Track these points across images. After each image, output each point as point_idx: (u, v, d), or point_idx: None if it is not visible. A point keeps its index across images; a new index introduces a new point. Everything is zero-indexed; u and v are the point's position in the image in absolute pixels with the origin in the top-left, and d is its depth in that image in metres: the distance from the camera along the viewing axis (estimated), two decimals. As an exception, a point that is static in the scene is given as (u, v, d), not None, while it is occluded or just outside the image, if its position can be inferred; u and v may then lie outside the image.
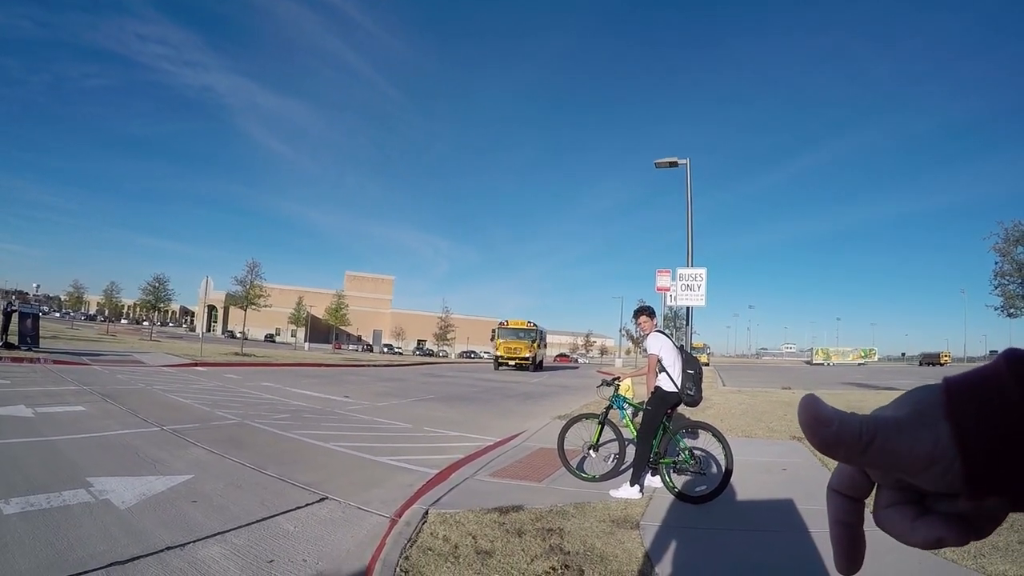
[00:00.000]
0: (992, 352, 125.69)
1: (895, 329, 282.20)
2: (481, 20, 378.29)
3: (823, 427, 0.44)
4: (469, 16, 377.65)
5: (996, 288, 20.77)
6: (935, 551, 4.44)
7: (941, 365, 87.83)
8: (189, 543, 4.23)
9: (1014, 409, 0.39)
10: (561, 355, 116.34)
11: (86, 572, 3.62)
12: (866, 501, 0.51)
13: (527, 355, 40.94)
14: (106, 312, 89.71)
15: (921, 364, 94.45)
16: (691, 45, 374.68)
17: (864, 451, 0.43)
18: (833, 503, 0.51)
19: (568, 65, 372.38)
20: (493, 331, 43.75)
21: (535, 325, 43.33)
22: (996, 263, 20.63)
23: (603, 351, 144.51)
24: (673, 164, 18.02)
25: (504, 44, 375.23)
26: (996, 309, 20.97)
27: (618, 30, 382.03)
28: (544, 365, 51.55)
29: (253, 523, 4.79)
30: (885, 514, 0.47)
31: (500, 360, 41.49)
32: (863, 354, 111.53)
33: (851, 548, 0.50)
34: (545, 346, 51.83)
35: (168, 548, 4.10)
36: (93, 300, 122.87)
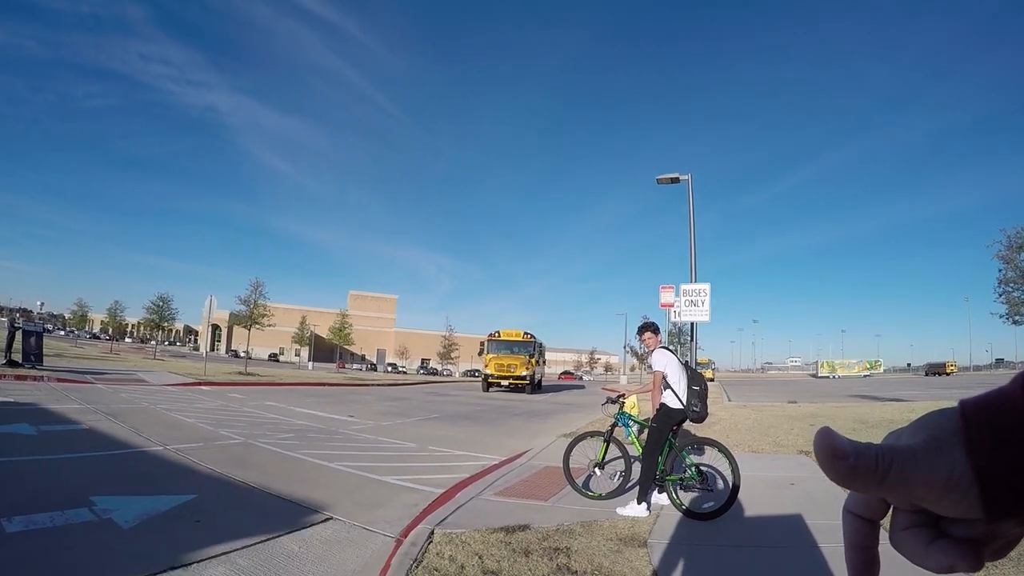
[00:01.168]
0: (998, 360, 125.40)
1: (900, 340, 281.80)
2: (481, 39, 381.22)
3: (840, 460, 0.44)
4: (469, 35, 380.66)
5: (1000, 296, 20.71)
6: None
7: (947, 375, 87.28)
8: (193, 563, 4.20)
9: None
10: (566, 372, 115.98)
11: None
12: (882, 522, 0.51)
13: (523, 373, 33.17)
14: (110, 330, 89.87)
15: (927, 374, 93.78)
16: (690, 60, 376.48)
17: (881, 482, 0.43)
18: (849, 525, 0.51)
19: (569, 82, 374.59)
20: (482, 344, 36.22)
21: (533, 337, 36.12)
22: (1000, 270, 20.58)
23: (608, 368, 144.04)
24: (675, 180, 18.08)
25: (505, 63, 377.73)
26: (1001, 317, 20.89)
27: (617, 48, 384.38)
28: (544, 384, 44.38)
29: (257, 543, 4.76)
30: (901, 537, 0.47)
31: (490, 379, 33.86)
32: (868, 366, 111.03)
33: (866, 570, 0.50)
34: (544, 362, 45.69)
35: (171, 568, 4.07)
36: (97, 318, 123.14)
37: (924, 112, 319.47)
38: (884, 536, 0.50)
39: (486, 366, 34.58)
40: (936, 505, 0.43)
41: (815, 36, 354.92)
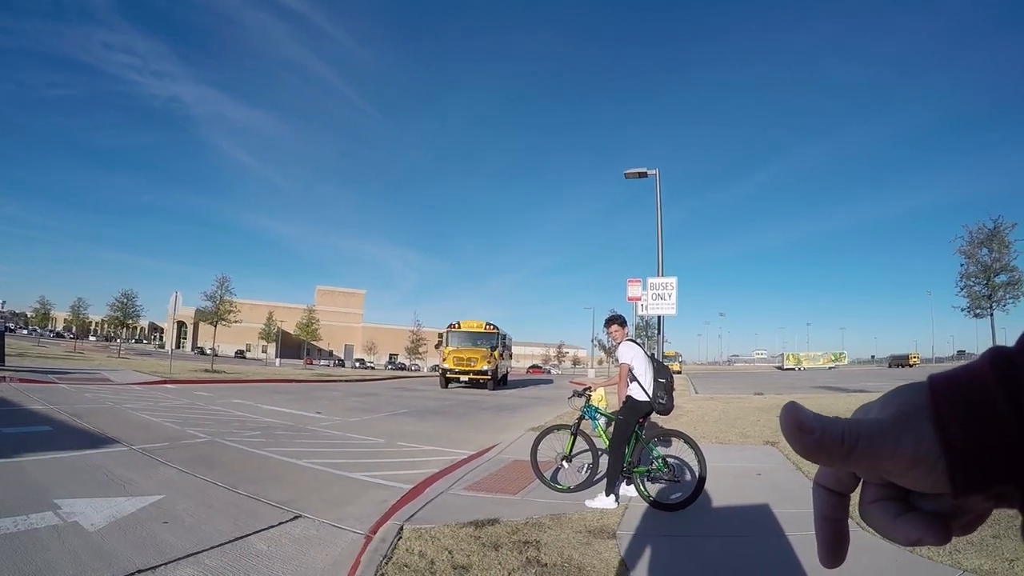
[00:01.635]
0: (960, 352, 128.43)
1: (864, 333, 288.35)
2: (451, 35, 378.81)
3: (806, 435, 0.44)
4: (440, 30, 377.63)
5: (962, 290, 21.34)
6: (913, 549, 4.50)
7: (910, 366, 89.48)
8: (161, 566, 4.16)
9: (998, 410, 0.39)
10: (534, 367, 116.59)
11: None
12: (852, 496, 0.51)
13: (484, 368, 30.38)
14: (73, 329, 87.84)
15: (890, 366, 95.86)
16: (659, 56, 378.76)
17: (847, 456, 0.43)
18: (819, 498, 0.51)
19: (538, 78, 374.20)
20: (440, 336, 33.58)
21: (496, 328, 33.57)
22: (962, 265, 21.22)
23: (575, 362, 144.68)
24: (643, 175, 18.22)
25: (474, 58, 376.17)
26: (963, 310, 21.52)
27: (586, 44, 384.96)
28: (512, 379, 43.67)
29: (226, 543, 4.72)
30: (869, 510, 0.47)
31: (448, 374, 30.77)
32: (833, 358, 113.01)
33: (835, 542, 0.50)
34: (511, 356, 43.38)
35: (139, 571, 4.03)
36: (60, 316, 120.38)
37: (889, 112, 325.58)
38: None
39: (444, 360, 31.59)
40: (903, 479, 0.43)
41: (782, 36, 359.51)
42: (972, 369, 0.42)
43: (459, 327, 33.13)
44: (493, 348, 32.06)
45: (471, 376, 30.39)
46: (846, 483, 0.50)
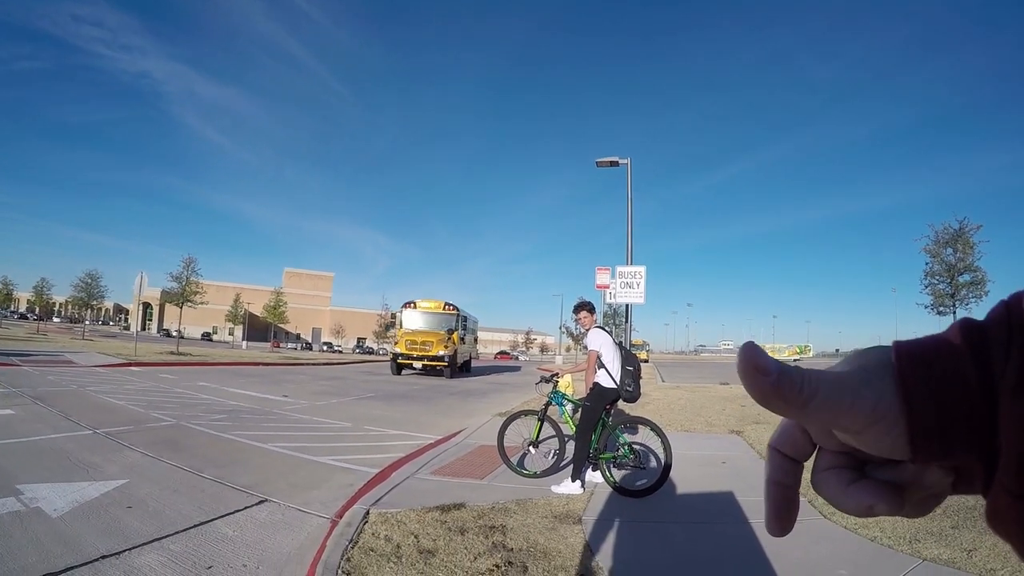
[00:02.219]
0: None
1: (829, 326, 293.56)
2: (428, 17, 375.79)
3: (762, 376, 0.40)
4: (416, 12, 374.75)
5: (927, 287, 21.75)
6: (873, 537, 4.60)
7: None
8: (125, 551, 4.10)
9: (965, 375, 0.38)
10: (502, 352, 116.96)
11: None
12: (805, 465, 0.48)
13: (440, 353, 27.10)
14: (37, 310, 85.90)
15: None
16: (635, 45, 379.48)
17: (804, 406, 0.40)
18: (772, 461, 0.49)
19: (512, 63, 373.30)
20: (393, 317, 30.59)
21: (456, 309, 30.14)
22: (927, 263, 21.60)
23: (543, 348, 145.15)
24: (614, 164, 18.25)
25: (449, 40, 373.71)
26: (926, 307, 21.93)
27: (561, 29, 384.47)
28: (479, 365, 41.24)
29: (191, 528, 4.68)
30: (822, 477, 0.45)
31: (400, 359, 27.48)
32: (799, 350, 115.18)
33: (784, 509, 0.48)
34: (476, 340, 40.55)
35: (103, 557, 3.97)
36: (23, 297, 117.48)
37: (860, 111, 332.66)
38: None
39: (396, 343, 28.49)
40: (860, 437, 0.41)
41: (758, 31, 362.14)
42: (939, 337, 0.41)
43: (415, 306, 30.09)
44: (451, 331, 28.76)
45: (425, 362, 27.18)
46: (802, 449, 0.47)
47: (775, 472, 0.49)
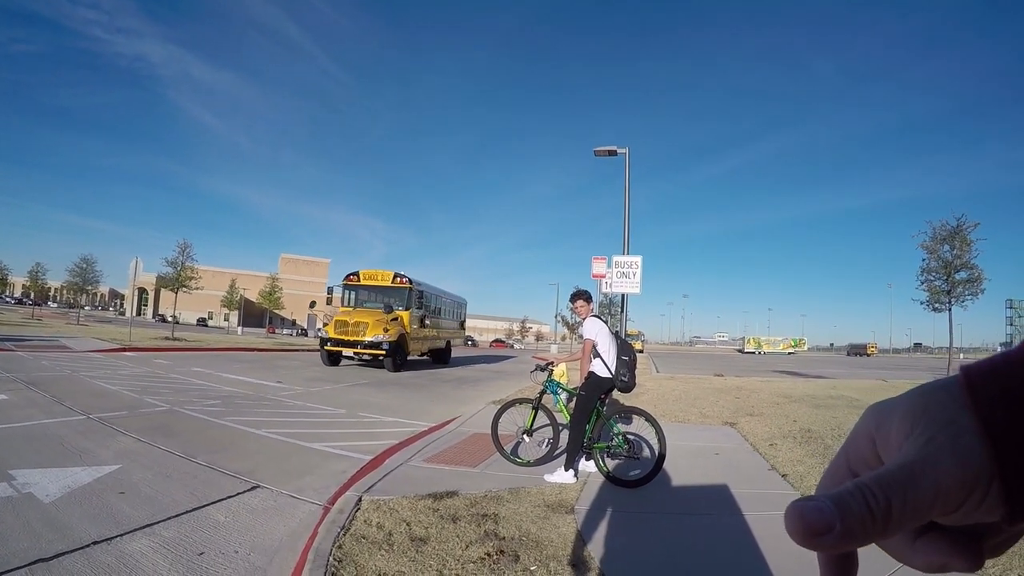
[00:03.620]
0: (916, 345, 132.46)
1: (824, 320, 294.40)
2: (428, 7, 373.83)
3: (828, 536, 0.33)
4: (416, 2, 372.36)
5: (923, 284, 21.77)
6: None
7: (868, 355, 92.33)
8: (117, 537, 4.09)
9: None
10: (497, 340, 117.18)
11: (8, 571, 3.45)
12: None
13: (378, 338, 20.36)
14: (32, 295, 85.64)
15: (849, 354, 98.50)
16: (636, 35, 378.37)
17: (885, 528, 0.33)
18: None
19: (512, 51, 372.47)
20: (329, 291, 24.27)
21: (409, 282, 23.11)
22: (923, 260, 21.61)
23: (539, 337, 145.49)
24: (612, 153, 18.16)
25: (450, 27, 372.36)
26: (922, 304, 21.96)
27: (563, 17, 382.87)
28: (474, 354, 36.24)
29: (183, 514, 4.67)
30: None
31: (328, 345, 21.15)
32: (793, 344, 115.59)
33: (843, 571, 0.41)
34: (463, 325, 34.13)
35: (95, 543, 3.96)
36: (18, 282, 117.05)
37: (861, 108, 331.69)
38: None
39: (325, 325, 22.22)
40: (954, 517, 0.34)
41: (761, 27, 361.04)
42: (1011, 359, 0.34)
43: (358, 279, 23.65)
44: (390, 311, 21.82)
45: (357, 350, 20.64)
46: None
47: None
